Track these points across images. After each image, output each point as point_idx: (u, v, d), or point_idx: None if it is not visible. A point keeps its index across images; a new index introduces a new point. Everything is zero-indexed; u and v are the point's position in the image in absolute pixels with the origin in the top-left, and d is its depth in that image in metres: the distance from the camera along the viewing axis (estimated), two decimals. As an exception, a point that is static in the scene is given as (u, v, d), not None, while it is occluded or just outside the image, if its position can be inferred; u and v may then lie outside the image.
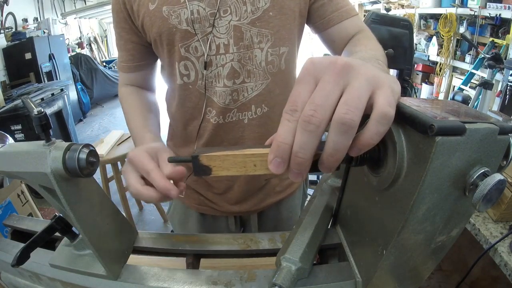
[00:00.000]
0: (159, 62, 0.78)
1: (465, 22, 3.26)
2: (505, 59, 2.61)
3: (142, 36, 0.70)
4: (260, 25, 0.64)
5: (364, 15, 3.95)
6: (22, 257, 0.44)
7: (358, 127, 0.27)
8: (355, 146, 0.28)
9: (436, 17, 3.67)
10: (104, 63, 6.23)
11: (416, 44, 3.81)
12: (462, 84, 3.20)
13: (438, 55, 3.62)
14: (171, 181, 0.46)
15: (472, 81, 3.15)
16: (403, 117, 0.30)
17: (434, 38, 3.68)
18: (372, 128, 0.27)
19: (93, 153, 0.38)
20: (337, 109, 0.27)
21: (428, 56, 3.81)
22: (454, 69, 3.59)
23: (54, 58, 4.29)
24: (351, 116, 0.26)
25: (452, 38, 3.41)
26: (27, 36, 4.16)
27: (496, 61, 2.43)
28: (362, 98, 0.27)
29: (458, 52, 3.48)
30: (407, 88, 2.07)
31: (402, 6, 4.22)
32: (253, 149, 0.32)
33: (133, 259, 0.51)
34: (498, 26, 2.91)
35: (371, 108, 0.28)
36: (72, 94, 4.47)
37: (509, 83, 2.59)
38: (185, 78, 0.68)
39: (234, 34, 0.64)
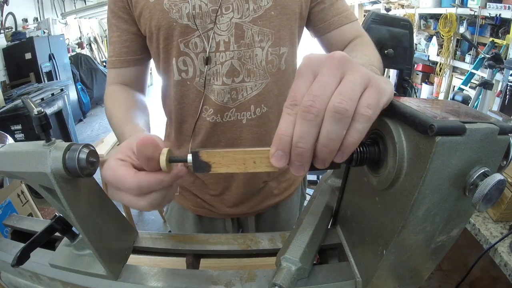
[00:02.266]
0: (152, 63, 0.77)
1: (465, 22, 3.26)
2: (505, 59, 2.61)
3: (139, 27, 0.69)
4: (261, 24, 0.64)
5: (364, 15, 3.94)
6: (22, 257, 0.44)
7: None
8: (339, 150, 0.28)
9: (436, 17, 3.67)
10: (104, 63, 6.22)
11: (416, 44, 3.82)
12: (462, 84, 3.20)
13: (438, 55, 3.62)
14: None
15: (472, 81, 3.15)
16: (403, 117, 0.30)
17: (434, 38, 3.68)
18: (351, 126, 0.28)
19: (93, 153, 0.38)
20: (332, 99, 0.27)
21: (428, 56, 3.81)
22: (454, 69, 3.58)
23: (54, 58, 4.29)
24: (345, 105, 0.27)
25: (452, 38, 3.41)
26: (27, 36, 4.16)
27: (496, 61, 2.43)
28: (356, 90, 0.28)
29: (458, 52, 3.48)
30: (407, 88, 2.06)
31: (402, 6, 4.22)
32: (254, 148, 0.33)
33: (133, 259, 0.51)
34: (498, 26, 2.91)
35: None
36: (72, 94, 4.47)
37: (509, 83, 2.59)
38: (183, 74, 0.68)
39: (235, 32, 0.64)
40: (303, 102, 0.28)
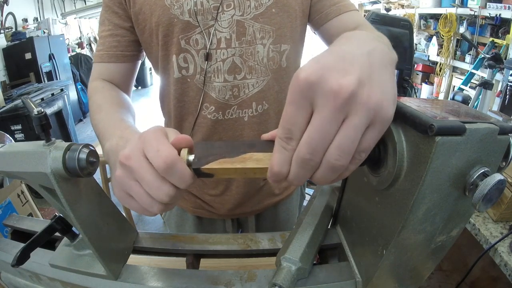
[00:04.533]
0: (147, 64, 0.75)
1: (465, 22, 3.26)
2: (505, 59, 2.61)
3: (136, 24, 0.68)
4: (262, 21, 0.65)
5: (364, 15, 3.94)
6: (22, 257, 0.44)
7: None
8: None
9: (436, 17, 3.67)
10: (104, 63, 6.21)
11: (416, 44, 3.81)
12: (462, 84, 3.20)
13: (438, 55, 3.62)
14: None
15: (472, 81, 3.15)
16: (403, 117, 0.30)
17: (434, 38, 3.68)
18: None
19: (93, 153, 0.38)
20: (331, 151, 0.27)
21: (428, 56, 3.81)
22: (454, 69, 3.58)
23: (54, 58, 4.28)
24: (343, 162, 0.27)
25: (452, 38, 3.41)
26: (27, 36, 4.16)
27: (496, 61, 2.43)
28: (356, 140, 0.27)
29: (458, 52, 3.48)
30: (407, 88, 2.06)
31: (402, 6, 4.22)
32: (254, 155, 0.32)
33: (133, 259, 0.51)
34: (498, 26, 2.91)
35: None
36: (72, 94, 4.47)
37: (509, 83, 2.59)
38: (184, 71, 0.67)
39: (236, 29, 0.64)
40: (301, 152, 0.27)
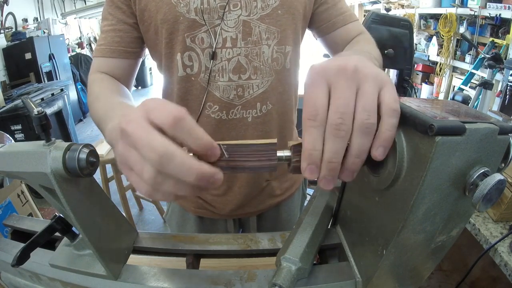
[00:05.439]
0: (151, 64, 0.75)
1: (465, 22, 3.26)
2: (505, 59, 2.61)
3: (141, 21, 0.67)
4: (268, 22, 0.65)
5: (364, 15, 3.95)
6: (22, 257, 0.44)
7: None
8: (379, 145, 0.30)
9: (436, 17, 3.66)
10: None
11: (416, 44, 3.81)
12: (462, 84, 3.20)
13: (438, 55, 3.62)
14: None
15: (472, 81, 3.15)
16: (403, 117, 0.30)
17: (434, 38, 3.68)
18: (387, 122, 0.30)
19: (93, 153, 0.38)
20: (359, 115, 0.29)
21: (428, 56, 3.80)
22: (454, 69, 3.58)
23: (54, 58, 4.29)
24: (372, 120, 0.29)
25: (452, 38, 3.41)
26: (27, 36, 4.16)
27: (496, 61, 2.43)
28: (375, 100, 0.30)
29: (458, 52, 3.48)
30: (407, 88, 2.06)
31: (402, 6, 4.22)
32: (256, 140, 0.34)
33: (133, 259, 0.51)
34: (498, 26, 2.91)
35: (379, 105, 0.30)
36: (72, 94, 4.48)
37: (509, 83, 2.59)
38: (188, 69, 0.67)
39: (242, 29, 0.64)
40: (332, 120, 0.29)
